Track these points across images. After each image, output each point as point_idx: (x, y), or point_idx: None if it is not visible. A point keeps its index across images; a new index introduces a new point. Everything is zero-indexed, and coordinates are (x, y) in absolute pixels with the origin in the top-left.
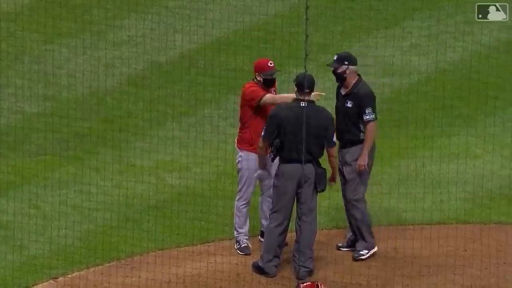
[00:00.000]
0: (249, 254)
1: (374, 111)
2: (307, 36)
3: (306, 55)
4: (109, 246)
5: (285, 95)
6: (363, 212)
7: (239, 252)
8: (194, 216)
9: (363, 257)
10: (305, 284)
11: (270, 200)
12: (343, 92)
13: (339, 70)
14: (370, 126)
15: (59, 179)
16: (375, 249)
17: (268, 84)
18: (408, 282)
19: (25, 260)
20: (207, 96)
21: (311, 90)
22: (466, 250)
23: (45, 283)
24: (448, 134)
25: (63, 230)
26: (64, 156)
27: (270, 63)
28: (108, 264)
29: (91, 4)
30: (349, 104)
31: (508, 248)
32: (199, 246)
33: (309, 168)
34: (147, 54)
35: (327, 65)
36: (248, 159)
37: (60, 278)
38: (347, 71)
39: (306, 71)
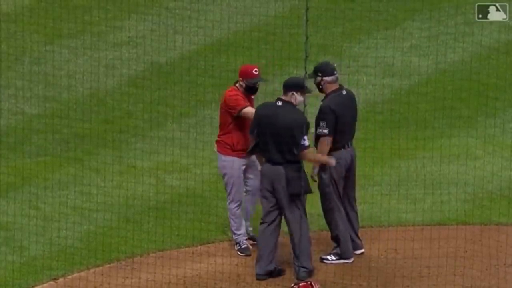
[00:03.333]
0: (249, 255)
1: (328, 126)
2: (307, 37)
3: (306, 56)
4: (109, 247)
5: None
6: (338, 221)
7: (240, 254)
8: (194, 217)
9: (327, 261)
10: (299, 284)
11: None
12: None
13: (315, 82)
14: (320, 141)
15: (59, 180)
16: (350, 260)
17: (250, 91)
18: (408, 283)
19: (25, 261)
20: (207, 97)
21: (297, 91)
22: (466, 251)
23: (45, 284)
24: (448, 135)
25: (63, 231)
26: (64, 157)
27: (255, 71)
28: (108, 265)
29: (91, 5)
30: (309, 117)
31: (508, 249)
32: (199, 247)
33: (279, 170)
34: (147, 55)
35: (307, 76)
36: (232, 165)
37: (60, 279)
38: (322, 82)
39: (306, 72)
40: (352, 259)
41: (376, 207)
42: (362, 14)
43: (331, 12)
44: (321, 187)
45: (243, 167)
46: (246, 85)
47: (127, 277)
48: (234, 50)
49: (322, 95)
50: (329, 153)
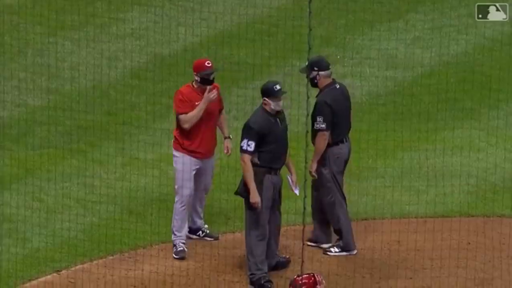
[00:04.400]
0: (183, 258)
1: (325, 121)
2: (310, 29)
3: (309, 48)
4: (112, 239)
5: (196, 110)
6: (340, 215)
7: (174, 256)
8: (229, 130)
9: (330, 253)
10: (301, 276)
11: (204, 198)
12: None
13: (311, 76)
14: (318, 135)
15: (62, 172)
16: (353, 252)
17: (205, 83)
18: (411, 275)
19: (28, 252)
20: None
21: (268, 97)
22: (469, 243)
23: (48, 276)
24: (451, 127)
25: (66, 223)
26: (67, 149)
27: (208, 63)
28: (111, 257)
29: None
30: (311, 109)
31: (511, 241)
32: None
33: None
34: (150, 47)
35: (299, 71)
36: (182, 161)
37: (63, 271)
38: (318, 77)
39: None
40: (355, 251)
41: (379, 199)
42: (365, 6)
43: (334, 4)
44: (322, 182)
45: (196, 166)
46: (200, 77)
47: (130, 269)
48: (237, 42)
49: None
50: (329, 147)
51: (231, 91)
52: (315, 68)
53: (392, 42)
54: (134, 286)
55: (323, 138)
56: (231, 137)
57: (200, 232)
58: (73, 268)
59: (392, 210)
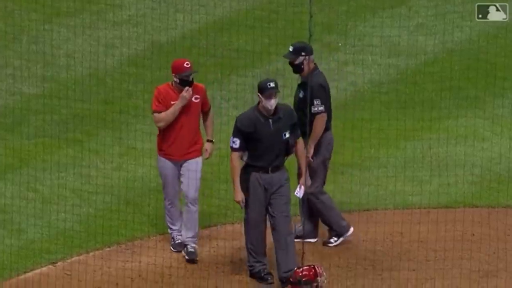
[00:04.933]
0: (181, 252)
1: (323, 103)
2: (311, 16)
3: (310, 35)
4: (109, 230)
5: (172, 108)
6: (325, 203)
7: (172, 249)
8: (213, 134)
9: (331, 244)
10: (301, 268)
11: (192, 210)
12: (299, 81)
13: (297, 62)
14: (317, 118)
15: (58, 161)
16: (348, 233)
17: (185, 84)
18: (415, 266)
19: (23, 244)
20: (209, 77)
21: (261, 94)
22: (473, 235)
23: (43, 268)
24: (455, 115)
25: (62, 214)
26: (63, 138)
27: (187, 64)
28: (108, 249)
29: None
30: (301, 94)
31: None
32: (201, 230)
33: None
34: (148, 34)
35: (283, 56)
36: (164, 164)
37: (59, 263)
38: (305, 62)
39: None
40: (351, 229)
41: (381, 189)
42: None
43: None
44: (313, 168)
45: (173, 169)
46: (179, 79)
47: (127, 261)
48: (237, 29)
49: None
50: (323, 133)
51: (230, 79)
52: (303, 53)
53: (394, 29)
54: (132, 278)
55: (322, 121)
56: (213, 140)
57: (185, 248)
58: (69, 260)
59: (394, 201)
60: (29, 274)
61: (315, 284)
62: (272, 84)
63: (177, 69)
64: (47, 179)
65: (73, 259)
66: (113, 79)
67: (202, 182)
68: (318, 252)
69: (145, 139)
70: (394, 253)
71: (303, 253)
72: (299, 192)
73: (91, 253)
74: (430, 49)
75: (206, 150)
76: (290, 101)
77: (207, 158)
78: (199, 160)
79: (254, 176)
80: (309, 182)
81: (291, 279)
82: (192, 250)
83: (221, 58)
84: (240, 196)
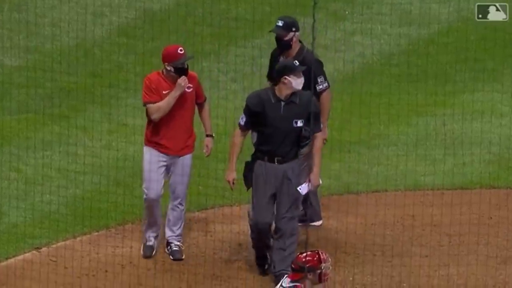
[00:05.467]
0: (148, 257)
1: (325, 79)
2: None
3: (315, 3)
4: (97, 213)
5: (168, 98)
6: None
7: (141, 253)
8: (192, 180)
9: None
10: (305, 253)
11: (179, 208)
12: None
13: (286, 38)
14: (324, 96)
15: (42, 139)
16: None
17: (180, 72)
18: (427, 252)
19: (5, 228)
20: (205, 48)
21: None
22: (491, 218)
23: (27, 254)
24: (471, 89)
25: (47, 196)
26: (48, 114)
27: (180, 50)
28: (96, 233)
29: None
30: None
31: None
32: (197, 213)
33: None
34: (139, 2)
35: (270, 31)
36: (148, 156)
37: (44, 248)
38: (294, 38)
39: (314, 20)
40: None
41: (391, 169)
42: None
43: None
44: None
45: (163, 162)
46: (174, 68)
47: (117, 246)
48: None
49: None
50: None
51: (229, 50)
52: (293, 29)
53: None
54: (122, 265)
55: (329, 96)
56: (213, 135)
57: (168, 247)
58: (54, 245)
59: (405, 181)
60: (11, 260)
61: (318, 271)
62: (297, 62)
63: (170, 57)
64: (30, 158)
65: (59, 244)
66: (102, 50)
67: (197, 161)
68: (323, 237)
69: (136, 114)
70: (405, 238)
71: (307, 238)
72: (304, 188)
73: (78, 238)
74: (444, 18)
75: (207, 146)
76: None
77: (208, 155)
78: (191, 156)
79: (259, 164)
80: (319, 181)
81: (292, 265)
82: (177, 248)
83: (218, 28)
84: (231, 176)
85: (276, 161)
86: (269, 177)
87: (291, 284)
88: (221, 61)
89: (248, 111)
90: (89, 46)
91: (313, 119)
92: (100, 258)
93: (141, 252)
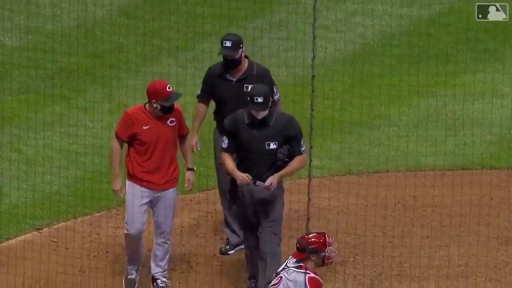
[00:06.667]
0: None
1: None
2: None
3: None
4: (98, 194)
5: (113, 165)
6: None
7: (123, 286)
8: (193, 160)
9: (230, 252)
10: (312, 234)
11: (165, 245)
12: (234, 77)
13: (237, 56)
14: (278, 105)
15: (43, 120)
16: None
17: (168, 111)
18: (428, 233)
19: (5, 209)
20: (206, 29)
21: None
22: (492, 199)
23: (28, 235)
24: (472, 70)
25: (48, 176)
26: (48, 94)
27: (169, 88)
28: (97, 214)
29: None
30: (248, 88)
31: None
32: (197, 193)
33: None
34: None
35: (219, 54)
36: (134, 192)
37: (45, 229)
38: (242, 54)
39: (315, 1)
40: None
41: (392, 150)
42: None
43: None
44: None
45: (146, 199)
46: (161, 106)
47: (118, 227)
48: None
49: None
50: None
51: (230, 30)
52: (241, 46)
53: None
54: (123, 246)
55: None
56: (194, 168)
57: (155, 283)
58: (55, 226)
59: (407, 162)
60: (12, 241)
61: (323, 254)
62: (259, 99)
63: (158, 95)
64: (31, 138)
65: (59, 225)
66: (103, 31)
67: (199, 141)
68: (324, 218)
69: (137, 95)
70: (406, 219)
71: (308, 218)
72: (261, 184)
73: (79, 219)
74: None
75: (189, 180)
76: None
77: (189, 190)
78: (175, 191)
79: (241, 186)
80: (271, 185)
81: (297, 245)
82: (163, 285)
83: (219, 8)
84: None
85: (254, 181)
86: (250, 195)
87: (296, 264)
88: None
89: (225, 132)
90: (90, 27)
91: (293, 141)
92: (101, 239)
93: (123, 286)
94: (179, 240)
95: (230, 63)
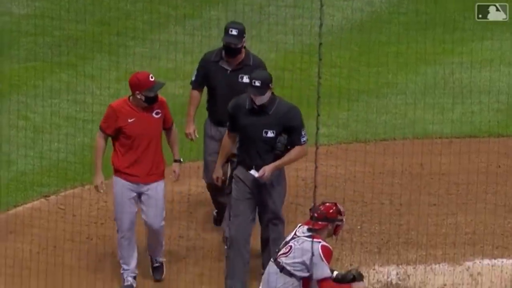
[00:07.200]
0: None
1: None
2: None
3: None
4: (106, 162)
5: (96, 160)
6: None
7: None
8: (199, 128)
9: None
10: (326, 204)
11: (159, 239)
12: (229, 67)
13: (240, 45)
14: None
15: (50, 87)
16: None
17: (152, 101)
18: (435, 201)
19: (13, 176)
20: None
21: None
22: (499, 166)
23: (35, 202)
24: (480, 37)
25: (55, 144)
26: (56, 62)
27: (151, 77)
28: (105, 181)
29: None
30: (245, 79)
31: None
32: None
33: None
34: None
35: (227, 42)
36: (121, 189)
37: (52, 197)
38: (244, 44)
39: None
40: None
41: (399, 117)
42: None
43: None
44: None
45: (133, 193)
46: (145, 97)
47: None
48: None
49: None
50: None
51: None
52: (244, 35)
53: None
54: None
55: None
56: (181, 160)
57: (151, 264)
58: (62, 194)
59: (414, 130)
60: (20, 208)
61: (337, 222)
62: (257, 83)
63: (141, 86)
64: (38, 106)
65: (67, 192)
66: None
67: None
68: (331, 185)
69: (144, 63)
70: (413, 187)
71: (315, 186)
72: (254, 173)
73: (87, 186)
74: None
75: (174, 171)
76: (301, 22)
77: (176, 181)
78: (162, 184)
79: (238, 169)
80: (266, 175)
81: (315, 214)
82: (158, 264)
83: None
84: (218, 173)
85: (248, 168)
86: (247, 182)
87: (308, 233)
88: (229, 9)
89: (228, 113)
90: None
91: (294, 132)
92: (108, 206)
93: None
94: (186, 208)
95: (232, 51)
